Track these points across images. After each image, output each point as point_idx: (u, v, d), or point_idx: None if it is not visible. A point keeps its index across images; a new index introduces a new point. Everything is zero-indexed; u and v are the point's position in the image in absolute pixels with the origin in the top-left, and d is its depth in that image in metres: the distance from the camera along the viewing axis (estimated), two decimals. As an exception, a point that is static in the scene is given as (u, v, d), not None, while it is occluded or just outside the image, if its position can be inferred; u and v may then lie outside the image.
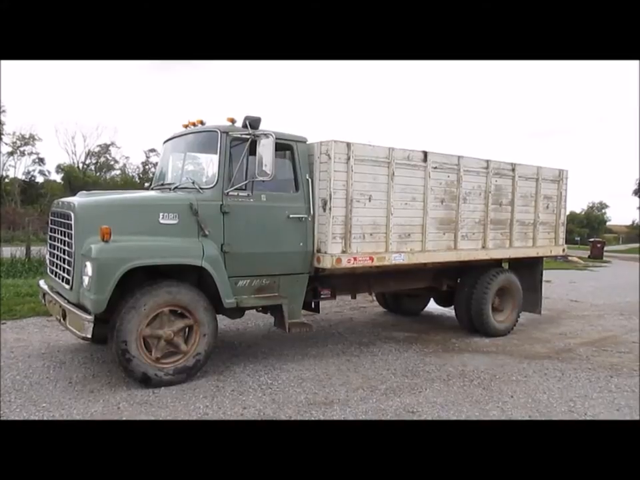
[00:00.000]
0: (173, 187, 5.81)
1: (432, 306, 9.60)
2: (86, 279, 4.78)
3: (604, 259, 28.53)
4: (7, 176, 46.33)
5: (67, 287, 5.15)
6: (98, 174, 52.94)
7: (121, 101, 73.04)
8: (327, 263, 5.97)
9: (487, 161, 7.55)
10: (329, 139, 5.95)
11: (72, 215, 5.05)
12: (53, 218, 5.78)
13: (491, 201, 7.62)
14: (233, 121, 5.64)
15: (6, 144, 45.86)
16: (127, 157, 56.67)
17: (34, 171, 50.04)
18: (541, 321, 9.22)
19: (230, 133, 5.55)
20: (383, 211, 6.42)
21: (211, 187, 5.45)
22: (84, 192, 5.79)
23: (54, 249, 5.72)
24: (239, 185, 5.49)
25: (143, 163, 55.01)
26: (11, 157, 47.14)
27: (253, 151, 5.48)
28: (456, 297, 8.10)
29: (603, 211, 77.66)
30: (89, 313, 4.80)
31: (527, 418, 4.74)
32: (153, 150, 51.95)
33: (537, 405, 5.06)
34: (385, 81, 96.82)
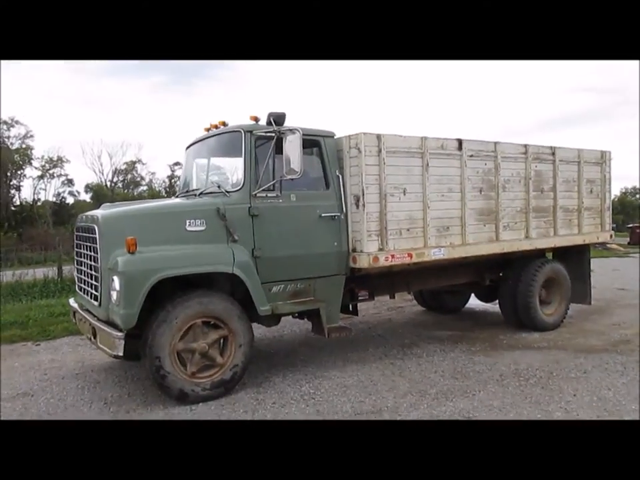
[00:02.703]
0: (198, 192, 5.57)
1: (473, 302, 9.19)
2: (114, 294, 4.56)
3: (644, 244, 27.44)
4: (39, 199, 47.41)
5: (96, 303, 4.95)
6: (126, 191, 53.73)
7: (143, 116, 74.14)
8: (363, 263, 5.65)
9: (525, 146, 7.14)
10: (357, 132, 5.65)
11: (96, 228, 4.85)
12: (77, 233, 5.60)
13: (531, 187, 7.19)
14: (256, 119, 5.37)
15: (36, 168, 47.02)
16: (152, 173, 57.45)
17: (64, 192, 51.19)
18: (591, 311, 8.71)
19: (254, 132, 5.28)
20: (419, 204, 6.07)
21: (238, 190, 5.19)
22: (107, 204, 5.60)
23: (81, 265, 5.53)
24: (267, 185, 5.22)
25: (168, 177, 55.65)
26: (41, 180, 48.29)
27: (279, 149, 5.19)
28: (500, 292, 7.68)
29: (637, 196, 75.41)
30: (120, 330, 4.58)
31: (595, 418, 4.34)
32: (177, 163, 52.46)
33: (604, 404, 4.64)
34: (375, 81, 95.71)
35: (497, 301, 8.15)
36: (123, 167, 53.64)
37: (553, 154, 7.48)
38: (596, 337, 7.16)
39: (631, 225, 30.84)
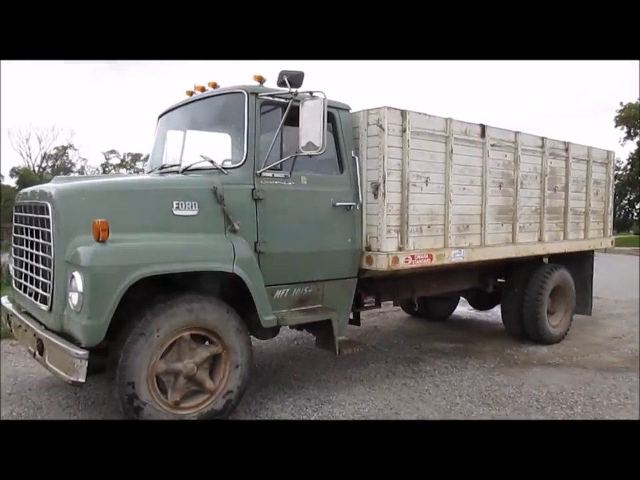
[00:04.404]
0: (181, 169, 4.41)
1: (458, 308, 8.47)
2: (74, 297, 3.34)
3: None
4: (-43, 183, 43.22)
5: (44, 307, 3.69)
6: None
7: (76, 102, 69.83)
8: (382, 264, 4.68)
9: (543, 139, 6.41)
10: (379, 105, 4.67)
11: (49, 206, 3.59)
12: (19, 214, 4.29)
13: (546, 185, 6.48)
14: (261, 79, 4.27)
15: (-46, 148, 42.91)
16: (84, 159, 54.00)
17: (-15, 175, 46.91)
18: (583, 322, 8.13)
19: (260, 95, 4.19)
20: (441, 197, 5.18)
21: (239, 166, 4.08)
22: (62, 176, 4.32)
23: (22, 256, 4.24)
24: (275, 163, 4.15)
25: (102, 165, 52.59)
26: (-40, 161, 44.19)
27: (289, 119, 4.14)
28: (503, 299, 6.93)
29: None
30: (80, 345, 3.37)
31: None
32: (112, 152, 49.76)
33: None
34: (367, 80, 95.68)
35: (489, 309, 7.47)
36: (53, 152, 50.21)
37: (566, 150, 6.80)
38: (607, 352, 6.54)
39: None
